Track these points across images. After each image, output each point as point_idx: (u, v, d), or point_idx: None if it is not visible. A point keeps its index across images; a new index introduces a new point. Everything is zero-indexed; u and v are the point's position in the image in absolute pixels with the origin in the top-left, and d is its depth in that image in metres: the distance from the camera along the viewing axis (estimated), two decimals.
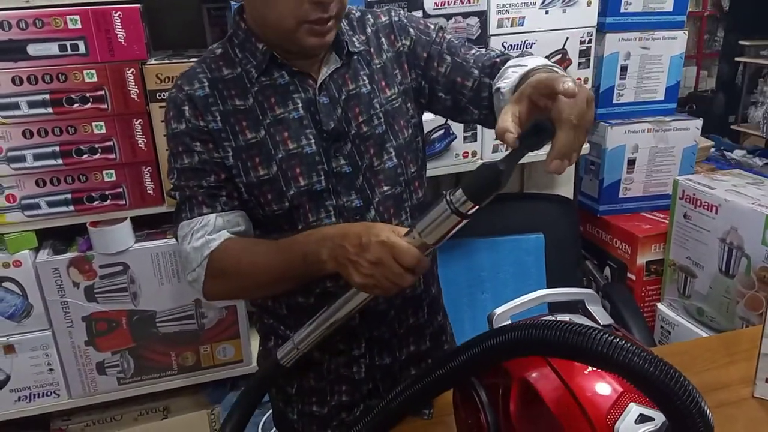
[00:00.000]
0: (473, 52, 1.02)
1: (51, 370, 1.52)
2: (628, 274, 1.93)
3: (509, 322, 0.94)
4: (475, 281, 1.84)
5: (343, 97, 0.98)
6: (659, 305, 1.91)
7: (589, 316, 0.95)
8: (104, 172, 1.41)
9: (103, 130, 1.38)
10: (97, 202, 1.43)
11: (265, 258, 0.91)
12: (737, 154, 2.38)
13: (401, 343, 1.06)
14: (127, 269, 1.49)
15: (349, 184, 0.98)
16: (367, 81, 0.99)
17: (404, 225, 0.98)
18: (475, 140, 1.72)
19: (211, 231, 0.94)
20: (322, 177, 0.96)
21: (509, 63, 0.94)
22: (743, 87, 2.68)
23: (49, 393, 1.54)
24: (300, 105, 0.96)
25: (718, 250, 1.65)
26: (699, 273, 1.73)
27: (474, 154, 1.74)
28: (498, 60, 0.98)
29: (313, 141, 0.96)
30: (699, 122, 1.96)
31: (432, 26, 1.05)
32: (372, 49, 1.01)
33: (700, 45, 4.29)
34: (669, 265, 1.84)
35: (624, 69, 1.90)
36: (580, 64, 1.70)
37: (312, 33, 0.89)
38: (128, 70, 1.35)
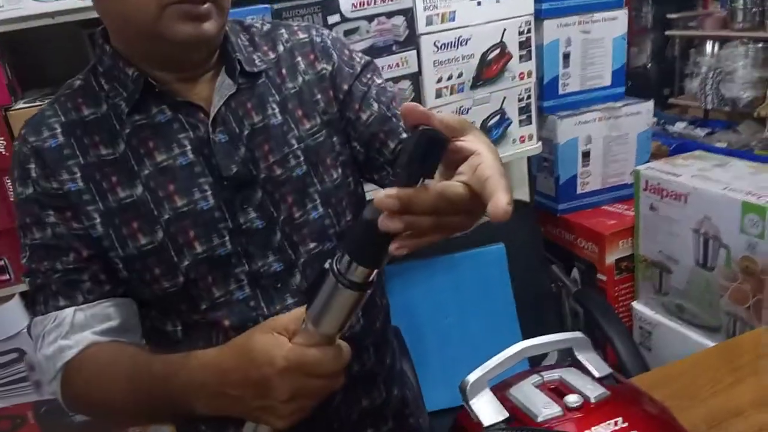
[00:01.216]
0: None
1: None
2: (598, 275, 1.79)
3: (486, 390, 0.76)
4: (436, 305, 1.67)
5: (246, 132, 0.77)
6: (635, 304, 1.78)
7: (581, 368, 0.77)
8: None
9: None
10: None
11: (120, 393, 0.70)
12: (678, 126, 2.29)
13: (355, 430, 0.87)
14: (23, 355, 1.25)
15: (264, 242, 0.78)
16: (277, 110, 0.79)
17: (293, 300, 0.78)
18: (530, 122, 1.61)
19: (66, 332, 0.73)
20: (227, 238, 0.76)
21: None
22: (676, 60, 2.63)
23: None
24: (188, 147, 0.75)
25: (692, 242, 1.52)
26: (674, 267, 1.60)
27: (530, 137, 1.63)
28: None
29: (209, 193, 0.75)
30: (650, 104, 1.85)
31: (358, 59, 0.85)
32: (284, 70, 0.81)
33: (630, 22, 4.27)
34: (640, 261, 1.71)
35: (567, 57, 1.76)
36: (521, 57, 1.55)
37: (182, 17, 0.68)
38: None
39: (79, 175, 0.73)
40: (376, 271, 0.53)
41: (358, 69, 0.83)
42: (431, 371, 1.61)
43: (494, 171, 0.47)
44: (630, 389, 0.76)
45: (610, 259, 1.75)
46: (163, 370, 0.66)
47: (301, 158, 0.79)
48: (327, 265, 0.54)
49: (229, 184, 0.76)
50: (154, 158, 0.75)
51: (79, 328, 0.73)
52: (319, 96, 0.82)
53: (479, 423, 0.73)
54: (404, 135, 0.80)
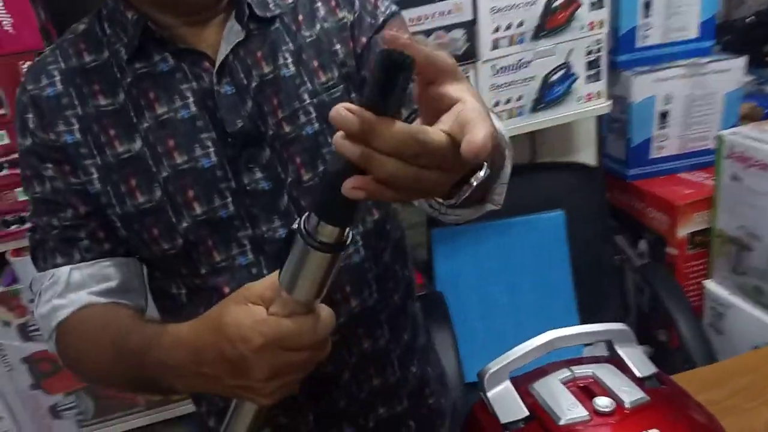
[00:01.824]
0: None
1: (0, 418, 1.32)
2: (668, 248, 1.63)
3: (507, 383, 0.67)
4: (484, 274, 1.58)
5: (254, 84, 0.70)
6: (707, 283, 1.62)
7: (620, 365, 0.67)
8: (16, 190, 1.18)
9: (6, 141, 1.14)
10: (14, 227, 1.20)
11: (105, 362, 0.66)
12: None
13: (365, 409, 0.80)
14: None
15: (270, 206, 0.71)
16: (290, 60, 0.71)
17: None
18: (599, 78, 1.45)
19: (61, 291, 0.70)
20: (229, 199, 0.70)
21: None
22: None
23: None
24: (191, 99, 0.69)
25: None
26: (755, 245, 1.43)
27: (599, 95, 1.47)
28: None
29: (211, 150, 0.69)
30: (741, 61, 1.63)
31: (382, 9, 0.75)
32: (301, 16, 0.73)
33: None
34: (717, 236, 1.54)
35: (647, 5, 1.57)
36: (592, 4, 1.39)
37: None
38: (22, 64, 1.10)
39: (76, 126, 0.69)
40: (348, 229, 0.47)
41: (380, 20, 0.74)
42: (475, 341, 1.53)
43: (478, 114, 0.39)
44: (675, 394, 0.65)
45: (683, 232, 1.59)
46: (138, 345, 0.62)
47: (313, 115, 0.71)
48: (295, 226, 0.47)
49: (234, 141, 0.70)
50: (154, 110, 0.69)
51: (76, 287, 0.70)
52: (338, 46, 0.73)
53: (495, 418, 0.65)
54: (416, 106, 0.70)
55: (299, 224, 0.47)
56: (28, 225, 0.75)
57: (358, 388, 0.79)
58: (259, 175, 0.71)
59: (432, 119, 0.41)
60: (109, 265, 0.72)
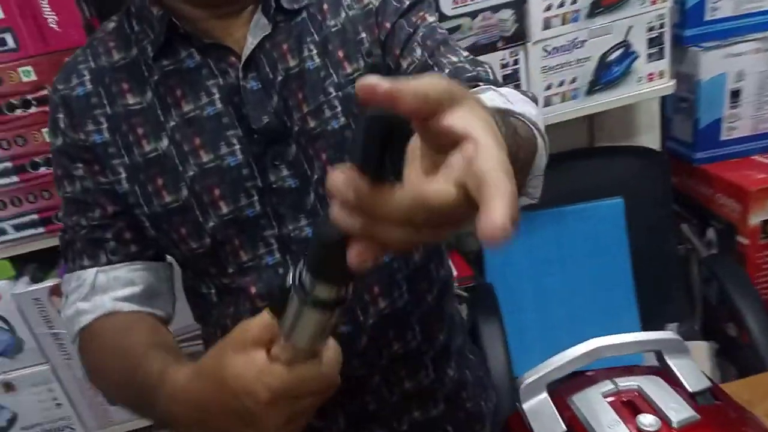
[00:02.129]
0: (455, 59, 0.68)
1: (59, 405, 1.38)
2: (738, 237, 1.52)
3: (544, 394, 0.63)
4: (538, 265, 1.52)
5: (279, 78, 0.68)
6: None
7: (670, 378, 0.62)
8: None
9: None
10: None
11: (117, 386, 0.66)
12: None
13: (398, 412, 0.78)
14: None
15: (296, 204, 0.69)
16: (315, 52, 0.69)
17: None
18: (663, 57, 1.36)
19: (86, 294, 0.70)
20: (255, 198, 0.68)
21: (494, 90, 0.60)
22: None
23: (62, 428, 1.40)
24: (217, 96, 0.68)
25: None
26: None
27: (661, 75, 1.38)
28: (481, 85, 0.63)
29: (237, 147, 0.68)
30: None
31: None
32: (325, 5, 0.70)
33: None
34: None
35: None
36: None
37: None
38: None
39: (105, 126, 0.69)
40: (343, 288, 0.43)
41: (406, 4, 0.70)
42: (527, 335, 1.48)
43: (495, 164, 0.30)
44: (731, 411, 0.59)
45: (755, 220, 1.47)
46: (146, 384, 0.60)
47: (338, 108, 0.69)
48: (289, 280, 0.44)
49: (260, 138, 0.68)
50: (181, 108, 0.68)
51: (100, 291, 0.70)
52: (363, 35, 0.70)
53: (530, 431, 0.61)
54: None
55: (293, 277, 0.44)
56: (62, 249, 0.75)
57: (389, 391, 0.76)
58: (285, 172, 0.69)
59: (436, 157, 0.34)
60: (135, 269, 0.72)
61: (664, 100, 1.60)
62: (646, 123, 1.59)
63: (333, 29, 0.70)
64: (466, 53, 0.70)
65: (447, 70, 0.67)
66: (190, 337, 1.38)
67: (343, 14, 0.70)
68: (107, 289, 0.70)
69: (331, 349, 0.51)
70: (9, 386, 1.34)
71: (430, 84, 0.31)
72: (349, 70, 0.70)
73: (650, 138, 1.61)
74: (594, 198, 1.51)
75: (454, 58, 0.68)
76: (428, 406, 0.79)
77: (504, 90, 0.61)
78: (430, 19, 0.71)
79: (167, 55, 0.68)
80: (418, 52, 0.69)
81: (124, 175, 0.69)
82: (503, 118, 0.46)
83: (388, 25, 0.70)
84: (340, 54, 0.70)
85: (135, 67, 0.69)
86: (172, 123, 0.68)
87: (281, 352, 0.48)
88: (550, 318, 1.50)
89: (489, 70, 0.68)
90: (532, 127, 0.56)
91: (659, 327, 1.42)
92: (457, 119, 0.32)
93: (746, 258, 1.51)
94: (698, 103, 1.54)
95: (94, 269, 0.70)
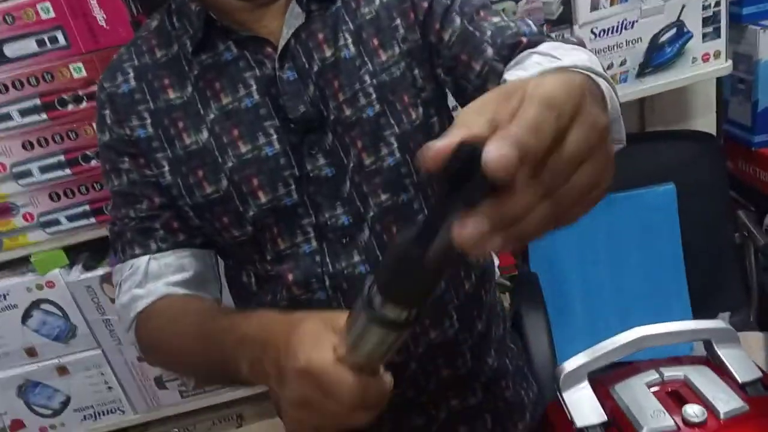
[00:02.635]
0: (496, 20, 0.67)
1: (110, 388, 1.42)
2: None
3: (585, 383, 0.61)
4: (585, 253, 1.48)
5: (316, 68, 0.68)
6: None
7: (719, 369, 0.59)
8: None
9: None
10: None
11: (186, 347, 0.66)
12: None
13: (435, 399, 0.77)
14: None
15: (333, 192, 0.69)
16: (350, 40, 0.69)
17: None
18: (719, 36, 1.30)
19: (140, 281, 0.71)
20: (293, 186, 0.69)
21: (538, 49, 0.60)
22: None
23: (113, 410, 1.46)
24: (254, 87, 0.68)
25: None
26: None
27: (717, 55, 1.32)
28: (524, 41, 0.63)
29: (274, 137, 0.68)
30: None
31: None
32: None
33: None
34: None
35: None
36: None
37: None
38: None
39: (149, 121, 0.71)
40: (413, 310, 0.41)
41: None
42: (573, 326, 1.44)
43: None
44: None
45: None
46: (226, 323, 0.61)
47: (373, 96, 0.68)
48: (365, 291, 0.42)
49: (297, 127, 0.68)
50: (220, 101, 0.70)
51: (154, 278, 0.71)
52: (398, 20, 0.70)
53: (572, 421, 0.59)
54: (490, 52, 0.64)
55: (364, 291, 0.42)
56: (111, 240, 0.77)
57: (425, 379, 0.76)
58: (322, 161, 0.69)
59: None
60: (184, 255, 0.73)
61: (720, 82, 1.53)
62: (701, 106, 1.53)
63: (367, 17, 0.70)
64: (501, 16, 0.68)
65: (489, 32, 0.65)
66: None
67: (377, 1, 0.70)
68: (160, 276, 0.72)
69: (385, 382, 0.48)
70: (63, 370, 1.39)
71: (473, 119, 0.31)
72: (384, 57, 0.69)
73: (706, 122, 1.54)
74: (645, 184, 1.46)
75: (496, 19, 0.67)
76: (466, 394, 0.79)
77: (548, 46, 0.59)
78: None
79: (206, 49, 0.69)
80: (458, 21, 0.67)
81: (167, 168, 0.71)
82: None
83: (425, 4, 0.69)
84: (375, 42, 0.69)
85: (176, 62, 0.71)
86: (212, 116, 0.69)
87: (342, 350, 0.46)
88: (597, 308, 1.46)
89: (531, 24, 0.66)
90: (590, 74, 0.53)
91: (711, 316, 1.36)
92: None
93: None
94: (757, 84, 1.46)
95: (147, 257, 0.72)
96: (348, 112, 0.68)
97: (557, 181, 0.32)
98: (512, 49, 0.63)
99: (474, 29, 0.67)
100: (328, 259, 0.70)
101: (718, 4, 1.28)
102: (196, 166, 0.70)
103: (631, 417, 0.56)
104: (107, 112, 0.72)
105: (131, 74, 0.72)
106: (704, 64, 1.33)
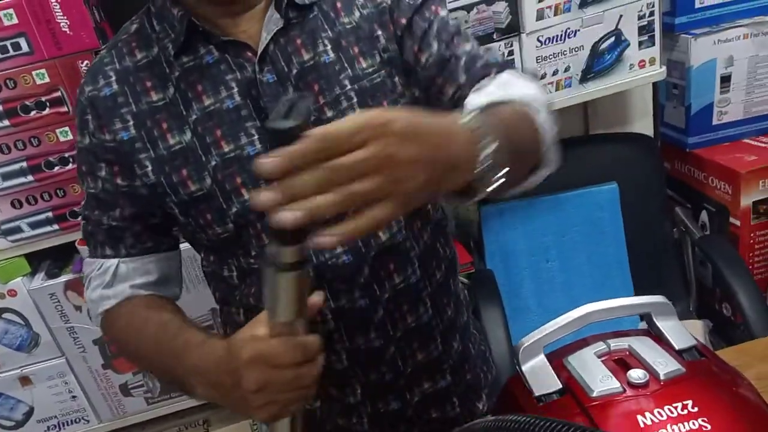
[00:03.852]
0: (468, 48, 0.75)
1: (74, 397, 1.42)
2: (731, 219, 1.56)
3: (541, 356, 0.67)
4: (537, 249, 1.56)
5: (294, 71, 0.72)
6: None
7: (660, 339, 0.66)
8: None
9: (69, 137, 1.20)
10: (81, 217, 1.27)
11: (145, 356, 0.75)
12: None
13: (410, 383, 0.82)
14: None
15: None
16: (330, 47, 0.73)
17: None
18: (653, 44, 1.40)
19: (109, 282, 0.78)
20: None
21: (497, 79, 0.70)
22: None
23: (77, 420, 1.45)
24: (235, 90, 0.72)
25: None
26: None
27: (652, 61, 1.42)
28: (493, 72, 0.73)
29: (256, 138, 0.72)
30: None
31: None
32: (339, 3, 0.74)
33: None
34: None
35: None
36: None
37: None
38: (81, 63, 1.16)
39: (131, 123, 0.73)
40: (304, 247, 0.50)
41: (419, 0, 0.74)
42: (527, 319, 1.52)
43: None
44: (714, 365, 0.63)
45: (747, 201, 1.51)
46: (180, 348, 0.68)
47: (354, 100, 0.72)
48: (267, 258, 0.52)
49: None
50: (202, 102, 0.72)
51: (121, 279, 0.77)
52: (379, 32, 0.74)
53: (530, 391, 0.65)
54: (462, 78, 0.72)
55: (266, 252, 0.52)
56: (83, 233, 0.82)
57: (403, 362, 0.80)
58: None
59: None
60: (151, 260, 0.79)
61: (656, 88, 1.64)
62: (639, 110, 1.63)
63: (348, 26, 0.74)
64: (472, 41, 0.76)
65: (463, 60, 0.73)
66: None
67: (357, 13, 0.74)
68: (126, 278, 0.78)
69: (312, 337, 0.57)
70: (26, 380, 1.38)
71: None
72: (364, 65, 0.73)
73: (644, 124, 1.65)
74: (590, 184, 1.55)
75: (468, 47, 0.74)
76: (436, 377, 0.84)
77: (505, 76, 0.69)
78: (443, 12, 0.75)
79: (187, 51, 0.72)
80: (435, 46, 0.73)
81: (150, 167, 0.73)
82: (488, 109, 0.57)
83: (403, 20, 0.74)
84: (356, 49, 0.73)
85: (157, 64, 0.73)
86: (194, 116, 0.72)
87: (269, 330, 0.56)
88: (550, 302, 1.54)
89: (496, 54, 0.74)
90: (528, 107, 0.62)
91: None
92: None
93: (739, 239, 1.55)
94: (689, 89, 1.58)
95: (116, 260, 0.77)
96: (329, 114, 0.72)
97: (334, 179, 0.44)
98: (482, 78, 0.72)
99: (450, 55, 0.73)
100: (311, 251, 0.74)
101: (652, 14, 1.38)
102: (180, 165, 0.72)
103: (583, 383, 0.62)
104: (89, 117, 0.74)
105: (113, 77, 0.74)
106: (641, 70, 1.43)
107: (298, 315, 0.55)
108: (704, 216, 1.64)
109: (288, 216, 0.44)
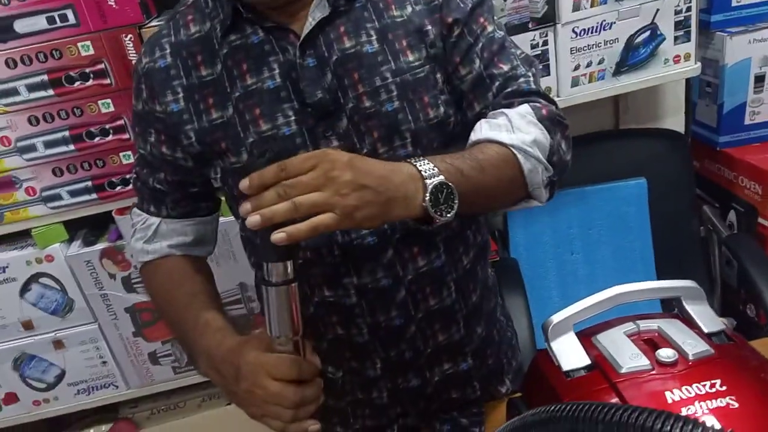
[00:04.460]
0: (506, 68, 0.77)
1: (104, 362, 1.46)
2: (760, 219, 1.55)
3: (570, 333, 0.69)
4: (562, 240, 1.57)
5: (334, 57, 0.73)
6: None
7: (689, 322, 0.67)
8: (121, 154, 1.28)
9: (111, 108, 1.24)
10: (119, 188, 1.31)
11: (173, 316, 0.83)
12: None
13: (430, 362, 0.84)
14: None
15: None
16: (374, 37, 0.74)
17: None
18: (689, 39, 1.40)
19: (150, 237, 0.86)
20: None
21: (510, 114, 0.74)
22: None
23: (107, 385, 1.49)
24: (276, 71, 0.74)
25: None
26: None
27: (687, 57, 1.41)
28: (515, 104, 0.75)
29: (292, 119, 0.74)
30: None
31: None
32: None
33: None
34: None
35: None
36: None
37: None
38: (125, 36, 1.19)
39: (181, 95, 0.76)
40: (289, 265, 0.62)
41: (468, 6, 0.76)
42: (550, 309, 1.52)
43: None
44: (743, 349, 0.64)
45: None
46: (201, 325, 0.76)
47: (394, 93, 0.74)
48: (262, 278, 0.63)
49: (314, 111, 0.74)
50: (245, 80, 0.75)
51: (160, 237, 0.86)
52: (429, 27, 0.75)
53: (558, 366, 0.67)
54: (490, 100, 0.77)
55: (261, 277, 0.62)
56: (131, 185, 0.92)
57: (423, 342, 0.82)
58: (335, 143, 0.74)
59: None
60: (189, 223, 0.87)
61: (689, 86, 1.64)
62: (671, 106, 1.63)
63: (398, 19, 0.75)
64: (519, 52, 0.79)
65: (497, 83, 0.76)
66: (229, 301, 1.46)
67: (410, 8, 0.75)
68: (165, 237, 0.86)
69: (312, 361, 0.67)
70: (59, 343, 1.43)
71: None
72: (410, 58, 0.75)
73: (675, 121, 1.64)
74: (618, 178, 1.55)
75: (506, 68, 0.77)
76: (458, 360, 0.86)
77: (517, 114, 0.73)
78: (490, 28, 0.77)
79: (234, 30, 0.75)
80: (476, 63, 0.76)
81: (194, 138, 0.77)
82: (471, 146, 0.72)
83: (449, 19, 0.75)
84: (403, 43, 0.74)
85: (208, 40, 0.76)
86: (237, 93, 0.75)
87: (268, 345, 0.66)
88: (573, 294, 1.54)
89: (531, 79, 0.78)
90: (517, 152, 0.70)
91: None
92: None
93: (766, 240, 1.54)
94: (723, 88, 1.57)
95: (159, 219, 0.85)
96: (367, 103, 0.74)
97: (289, 193, 0.59)
98: (506, 107, 0.75)
99: (486, 77, 0.76)
100: (339, 238, 0.77)
101: (689, 9, 1.38)
102: (219, 138, 0.76)
103: (612, 359, 0.63)
104: (143, 86, 0.78)
105: (168, 50, 0.77)
106: (675, 65, 1.42)
107: (293, 332, 0.64)
108: (732, 216, 1.64)
109: (253, 220, 0.58)
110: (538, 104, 0.74)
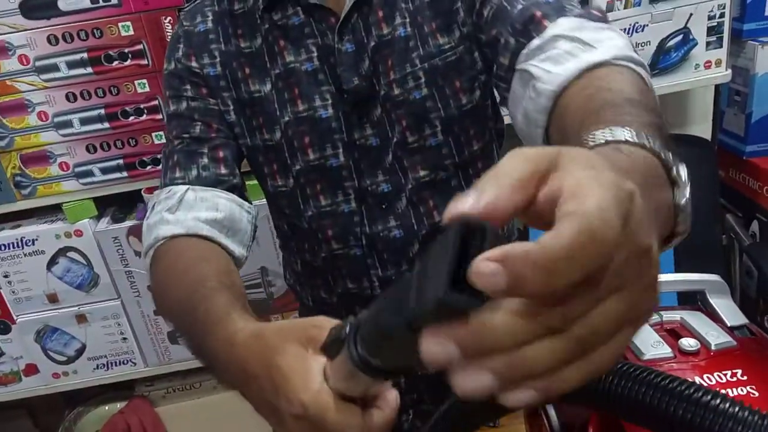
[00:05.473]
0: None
1: (124, 339, 1.49)
2: None
3: None
4: None
5: (372, 44, 0.73)
6: None
7: (712, 313, 0.68)
8: (153, 134, 1.31)
9: (147, 89, 1.27)
10: (150, 167, 1.34)
11: (178, 309, 0.62)
12: None
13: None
14: None
15: (376, 161, 0.76)
16: (408, 20, 0.72)
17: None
18: (721, 45, 1.39)
19: (172, 206, 0.70)
20: (340, 149, 0.75)
21: (562, 30, 0.57)
22: None
23: (125, 361, 1.52)
24: (315, 54, 0.74)
25: None
26: None
27: (718, 63, 1.41)
28: (539, 14, 0.60)
29: (329, 102, 0.74)
30: None
31: None
32: None
33: None
34: None
35: None
36: None
37: None
38: (165, 19, 1.22)
39: (218, 60, 0.76)
40: (385, 368, 0.36)
41: None
42: None
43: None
44: (765, 344, 0.65)
45: None
46: (205, 320, 0.55)
47: (422, 80, 0.73)
48: (344, 333, 0.38)
49: (349, 97, 0.74)
50: (284, 58, 0.75)
51: (186, 207, 0.70)
52: (459, 4, 0.71)
53: None
54: (512, 27, 0.62)
55: (348, 336, 0.37)
56: (161, 165, 0.78)
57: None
58: (369, 131, 0.75)
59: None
60: (221, 196, 0.73)
61: (718, 93, 1.63)
62: (699, 113, 1.63)
63: (427, 0, 0.72)
64: None
65: (519, 6, 0.63)
66: (249, 285, 1.48)
67: None
68: (192, 207, 0.70)
69: (382, 415, 0.44)
70: (82, 318, 1.45)
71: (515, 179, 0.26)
72: (441, 41, 0.72)
73: (702, 128, 1.64)
74: None
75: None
76: None
77: (571, 25, 0.57)
78: None
79: (276, 8, 0.75)
80: None
81: (231, 107, 0.77)
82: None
83: None
84: (433, 25, 0.72)
85: (250, 15, 0.76)
86: (277, 71, 0.75)
87: (334, 376, 0.41)
88: None
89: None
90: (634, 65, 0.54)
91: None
92: (558, 177, 0.26)
93: None
94: (752, 97, 1.56)
95: (185, 186, 0.72)
96: (396, 91, 0.73)
97: (569, 316, 0.25)
98: (525, 24, 0.61)
99: (507, 3, 0.65)
100: (366, 221, 0.77)
101: (722, 15, 1.37)
102: (257, 112, 0.76)
103: (633, 346, 0.64)
104: (180, 45, 0.77)
105: (210, 17, 0.77)
106: (706, 71, 1.42)
107: (367, 392, 0.43)
108: (755, 225, 1.62)
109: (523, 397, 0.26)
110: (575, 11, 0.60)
